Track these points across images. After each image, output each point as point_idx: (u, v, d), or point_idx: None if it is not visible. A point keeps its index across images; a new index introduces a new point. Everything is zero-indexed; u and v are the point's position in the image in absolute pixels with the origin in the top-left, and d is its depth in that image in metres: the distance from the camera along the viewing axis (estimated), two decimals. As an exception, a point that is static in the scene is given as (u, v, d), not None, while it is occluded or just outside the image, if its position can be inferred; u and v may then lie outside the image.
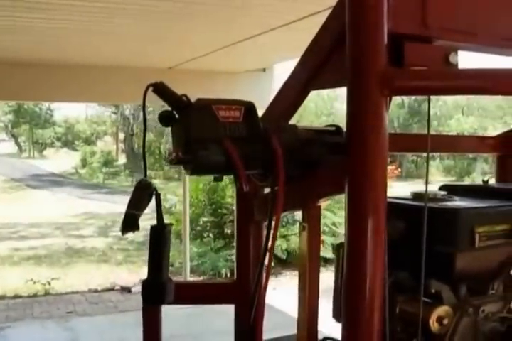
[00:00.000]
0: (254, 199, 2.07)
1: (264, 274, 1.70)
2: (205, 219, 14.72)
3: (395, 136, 1.63)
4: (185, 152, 1.61)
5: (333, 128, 1.93)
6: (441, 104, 42.24)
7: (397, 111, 49.79)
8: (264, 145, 1.67)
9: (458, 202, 2.00)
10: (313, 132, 1.89)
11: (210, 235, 14.59)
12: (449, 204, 1.97)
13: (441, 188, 2.37)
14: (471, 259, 1.87)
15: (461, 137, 2.94)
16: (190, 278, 11.77)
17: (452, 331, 1.85)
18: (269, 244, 1.67)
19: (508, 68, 1.56)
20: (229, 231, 14.25)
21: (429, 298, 1.89)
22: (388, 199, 1.68)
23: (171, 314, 2.37)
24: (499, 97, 34.63)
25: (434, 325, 1.79)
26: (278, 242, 13.05)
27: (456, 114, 39.52)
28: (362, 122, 1.55)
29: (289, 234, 13.03)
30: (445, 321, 1.80)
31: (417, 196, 2.05)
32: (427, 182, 1.87)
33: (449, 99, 39.80)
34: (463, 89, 1.59)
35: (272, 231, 1.68)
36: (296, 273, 1.92)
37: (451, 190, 2.27)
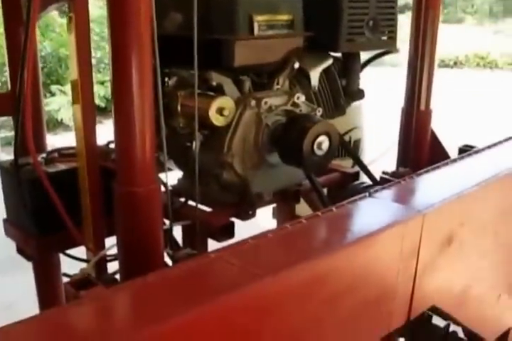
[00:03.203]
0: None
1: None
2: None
3: None
4: None
5: None
6: None
7: None
8: None
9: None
10: None
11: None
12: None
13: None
14: (252, 49, 1.94)
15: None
16: None
17: (235, 123, 1.96)
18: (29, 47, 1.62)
19: None
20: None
21: (212, 91, 1.97)
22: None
23: None
24: None
25: (214, 116, 1.88)
26: (95, 88, 12.74)
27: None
28: None
29: (107, 79, 12.68)
30: (225, 112, 1.90)
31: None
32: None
33: None
34: None
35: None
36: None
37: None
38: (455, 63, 19.01)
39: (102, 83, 12.85)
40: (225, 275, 1.43)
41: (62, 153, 2.11)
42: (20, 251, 2.12)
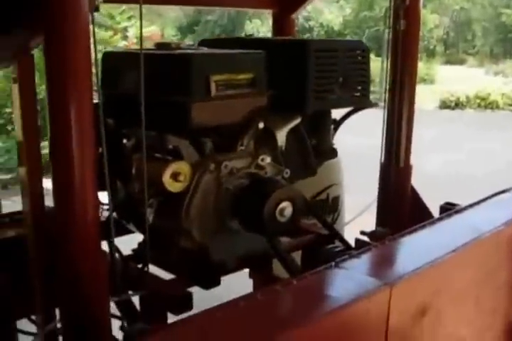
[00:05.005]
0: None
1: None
2: (9, 110, 13.95)
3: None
4: None
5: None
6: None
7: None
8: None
9: (196, 51, 1.95)
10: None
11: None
12: (185, 51, 1.91)
13: (200, 42, 2.32)
14: (210, 110, 1.84)
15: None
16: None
17: (194, 188, 1.85)
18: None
19: None
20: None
21: (169, 154, 1.87)
22: (116, 50, 1.58)
23: None
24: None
25: (168, 182, 1.77)
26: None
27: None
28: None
29: None
30: (181, 178, 1.79)
31: (159, 46, 1.99)
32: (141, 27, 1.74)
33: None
34: None
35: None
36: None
37: (210, 43, 2.23)
38: (456, 104, 18.96)
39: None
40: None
41: (15, 218, 1.99)
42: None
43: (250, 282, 2.63)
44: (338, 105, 2.16)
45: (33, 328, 1.90)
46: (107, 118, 1.93)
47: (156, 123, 1.77)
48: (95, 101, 1.54)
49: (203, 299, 1.91)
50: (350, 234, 2.39)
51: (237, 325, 1.46)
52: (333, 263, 1.75)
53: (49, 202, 1.63)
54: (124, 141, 1.99)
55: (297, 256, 2.25)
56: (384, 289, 1.63)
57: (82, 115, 1.45)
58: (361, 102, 2.24)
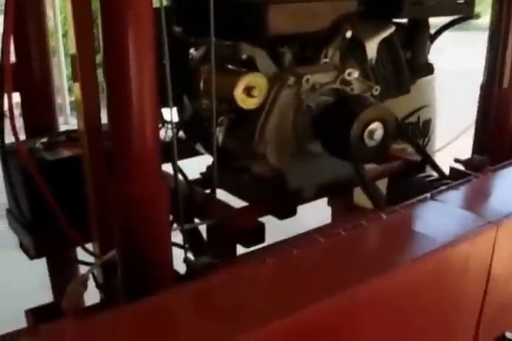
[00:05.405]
0: None
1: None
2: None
3: None
4: None
5: None
6: None
7: None
8: None
9: None
10: None
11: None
12: None
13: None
14: (290, 15, 1.58)
15: None
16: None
17: (270, 105, 1.61)
18: None
19: None
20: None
21: (243, 66, 1.64)
22: None
23: None
24: None
25: (240, 97, 1.54)
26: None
27: None
28: None
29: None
30: (255, 92, 1.55)
31: None
32: None
33: None
34: None
35: None
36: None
37: None
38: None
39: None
40: (253, 306, 1.10)
41: (72, 137, 1.79)
42: (22, 246, 1.84)
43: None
44: (438, 13, 1.85)
45: (89, 258, 1.74)
46: (174, 26, 1.72)
47: (229, 30, 1.54)
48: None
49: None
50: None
51: (316, 266, 1.25)
52: (428, 195, 1.52)
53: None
54: (192, 50, 1.76)
55: (382, 184, 2.01)
56: (489, 228, 1.39)
57: (140, 20, 1.20)
58: (464, 11, 1.92)
